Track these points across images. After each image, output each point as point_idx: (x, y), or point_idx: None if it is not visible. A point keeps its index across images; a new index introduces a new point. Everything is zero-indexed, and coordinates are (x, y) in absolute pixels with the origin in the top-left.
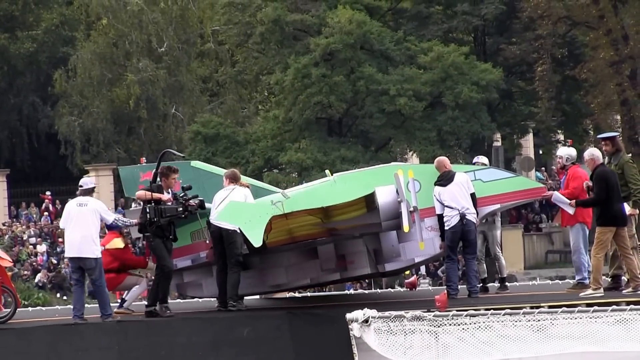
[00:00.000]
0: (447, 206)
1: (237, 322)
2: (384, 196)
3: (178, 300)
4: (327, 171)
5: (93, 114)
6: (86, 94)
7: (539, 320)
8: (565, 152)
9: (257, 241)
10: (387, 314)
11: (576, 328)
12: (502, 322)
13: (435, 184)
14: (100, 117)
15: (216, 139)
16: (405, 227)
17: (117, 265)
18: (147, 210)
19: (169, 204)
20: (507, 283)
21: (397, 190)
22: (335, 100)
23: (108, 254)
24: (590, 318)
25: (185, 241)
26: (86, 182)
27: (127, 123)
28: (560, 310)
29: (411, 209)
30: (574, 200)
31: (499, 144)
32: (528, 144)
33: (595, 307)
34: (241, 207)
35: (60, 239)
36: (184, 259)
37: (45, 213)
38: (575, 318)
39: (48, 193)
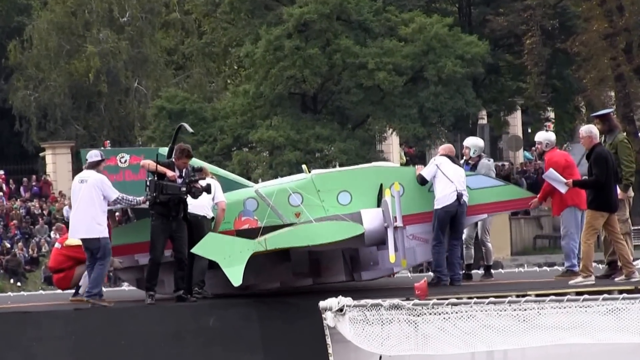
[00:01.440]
0: (448, 178)
1: (202, 311)
2: (370, 221)
3: (124, 288)
4: (303, 166)
5: (50, 88)
6: (42, 67)
7: (525, 310)
8: (544, 137)
9: (236, 280)
10: (363, 302)
11: (565, 318)
12: (486, 311)
13: (441, 156)
14: (57, 91)
15: (182, 115)
16: (392, 258)
17: (70, 264)
18: (147, 183)
19: (174, 181)
20: (492, 271)
21: (383, 214)
22: (309, 75)
23: (61, 253)
24: (580, 308)
25: (148, 236)
26: (92, 154)
27: (86, 98)
28: (548, 299)
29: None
30: (571, 180)
31: (484, 121)
32: (516, 121)
33: (586, 296)
34: (221, 241)
35: (13, 221)
36: (146, 255)
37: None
38: (564, 307)
39: (1, 172)
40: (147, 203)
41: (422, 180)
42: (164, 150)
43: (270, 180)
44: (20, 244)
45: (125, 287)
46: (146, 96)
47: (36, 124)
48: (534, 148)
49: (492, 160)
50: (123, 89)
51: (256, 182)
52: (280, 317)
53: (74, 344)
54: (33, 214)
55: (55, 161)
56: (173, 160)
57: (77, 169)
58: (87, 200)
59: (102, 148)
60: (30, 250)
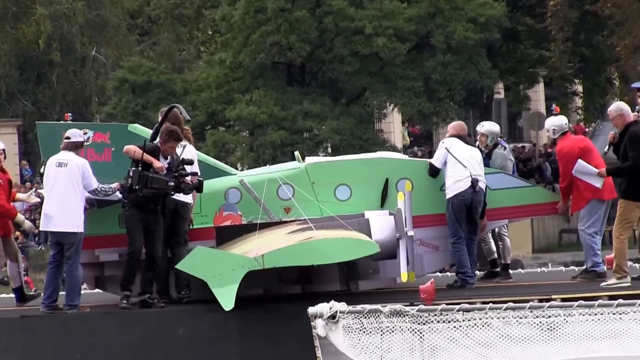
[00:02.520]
0: (460, 162)
1: (170, 319)
2: (380, 231)
3: (97, 290)
4: (296, 153)
5: None
6: None
7: (549, 317)
8: (550, 123)
9: (228, 303)
10: (359, 308)
11: (596, 327)
12: (504, 318)
13: (451, 136)
14: (2, 60)
15: (147, 89)
16: (404, 276)
17: None
18: (130, 174)
19: (161, 173)
20: (510, 271)
21: (395, 222)
22: (296, 41)
23: None
24: (614, 314)
25: (111, 227)
26: (75, 133)
27: (35, 68)
28: (576, 304)
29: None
30: (604, 169)
31: (501, 96)
32: (538, 96)
33: (620, 301)
34: (210, 256)
35: None
36: (109, 251)
37: None
38: (595, 314)
39: None
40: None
41: (433, 171)
42: (135, 128)
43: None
44: None
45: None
46: (105, 66)
47: None
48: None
49: (508, 148)
50: (79, 58)
51: (234, 166)
52: (262, 326)
53: (19, 357)
54: None
55: None
56: (158, 144)
57: (24, 151)
58: (66, 187)
59: (62, 122)
60: None
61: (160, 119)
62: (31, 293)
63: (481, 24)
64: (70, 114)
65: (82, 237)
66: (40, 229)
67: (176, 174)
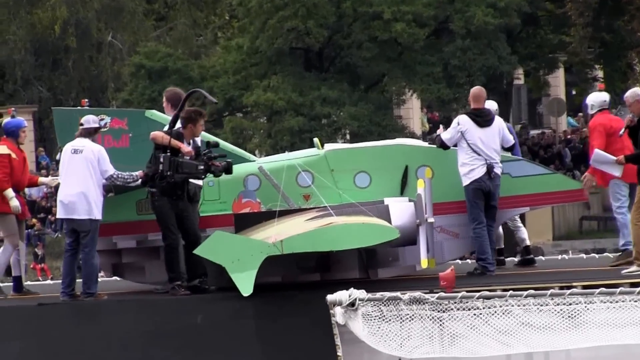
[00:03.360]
0: (473, 149)
1: (187, 306)
2: (400, 217)
3: (115, 278)
4: (315, 140)
5: (8, 43)
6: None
7: (570, 305)
8: (591, 98)
9: (246, 288)
10: (378, 295)
11: (617, 314)
12: (524, 306)
13: (467, 114)
14: (17, 46)
15: (164, 75)
16: (424, 263)
17: None
18: (161, 159)
19: (188, 158)
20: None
21: (415, 208)
22: (314, 26)
23: None
24: (636, 302)
25: (129, 214)
26: (89, 119)
27: (51, 54)
28: (597, 292)
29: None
30: (622, 156)
31: (521, 82)
32: (558, 82)
33: None
34: (229, 241)
35: None
36: (126, 238)
37: None
38: (616, 302)
39: None
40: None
41: (443, 147)
42: (152, 114)
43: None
44: None
45: None
46: (122, 52)
47: None
48: (580, 114)
49: (510, 127)
50: (94, 44)
51: (252, 153)
52: (280, 313)
53: (35, 346)
54: None
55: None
56: (181, 131)
57: (40, 137)
58: (82, 174)
59: (79, 108)
60: None
61: (165, 102)
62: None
63: (501, 8)
64: (87, 100)
65: (99, 224)
66: (57, 216)
67: (204, 158)
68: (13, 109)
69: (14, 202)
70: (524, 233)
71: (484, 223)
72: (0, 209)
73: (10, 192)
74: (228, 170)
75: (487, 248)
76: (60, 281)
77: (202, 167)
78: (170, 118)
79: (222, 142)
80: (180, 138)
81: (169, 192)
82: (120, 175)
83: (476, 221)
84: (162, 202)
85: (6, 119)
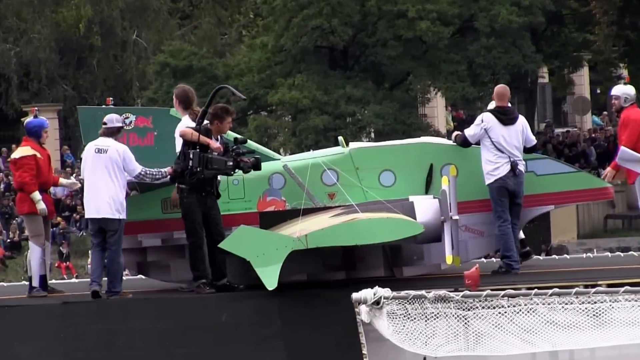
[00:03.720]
0: (497, 147)
1: (212, 304)
2: (424, 214)
3: (139, 276)
4: (340, 138)
5: (33, 41)
6: (24, 16)
7: (595, 303)
8: (621, 90)
9: (271, 282)
10: (403, 293)
11: None
12: (549, 304)
13: (491, 112)
14: (42, 45)
15: (188, 73)
16: (448, 259)
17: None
18: (191, 156)
19: (217, 154)
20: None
21: (440, 205)
22: (339, 25)
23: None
24: None
25: (154, 212)
26: (112, 118)
27: (76, 52)
28: (622, 290)
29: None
30: None
31: (545, 80)
32: (582, 80)
33: None
34: (254, 235)
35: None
36: (151, 236)
37: None
38: None
39: None
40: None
41: (465, 144)
42: (177, 112)
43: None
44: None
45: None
46: (146, 50)
47: (17, 84)
48: (604, 112)
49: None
50: (119, 42)
51: (276, 152)
52: (305, 312)
53: (62, 344)
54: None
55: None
56: (209, 127)
57: (65, 136)
58: (107, 173)
59: (104, 106)
60: (10, 233)
61: (174, 100)
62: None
63: (525, 7)
64: (111, 98)
65: (124, 223)
66: (86, 216)
67: (233, 154)
68: (36, 108)
69: (41, 205)
70: None
71: (509, 221)
72: (27, 209)
73: (37, 195)
74: (257, 166)
75: (512, 246)
76: (85, 280)
77: (231, 163)
78: (180, 115)
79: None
80: (209, 134)
81: (199, 188)
82: (148, 172)
83: (501, 219)
84: (190, 198)
85: (29, 118)
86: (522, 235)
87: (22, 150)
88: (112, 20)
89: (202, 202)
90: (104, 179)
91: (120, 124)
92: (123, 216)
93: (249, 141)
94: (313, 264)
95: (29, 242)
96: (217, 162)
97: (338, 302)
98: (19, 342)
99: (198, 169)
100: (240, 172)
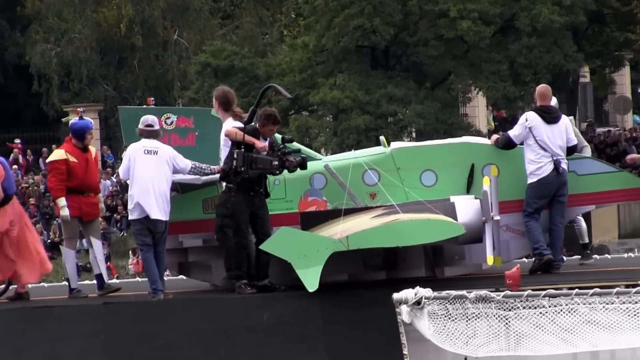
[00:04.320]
0: (540, 145)
1: (253, 305)
2: (465, 214)
3: (181, 277)
4: (381, 137)
5: (74, 41)
6: (65, 16)
7: (636, 303)
8: None
9: (312, 284)
10: (444, 293)
11: None
12: (590, 304)
13: (534, 111)
14: (83, 45)
15: (230, 73)
16: (489, 260)
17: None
18: (235, 155)
19: (264, 153)
20: (596, 256)
21: (481, 205)
22: (380, 24)
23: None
24: None
25: (195, 213)
26: (155, 120)
27: (117, 52)
28: None
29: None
30: None
31: (587, 80)
32: (624, 79)
33: None
34: (295, 236)
35: (31, 199)
36: (193, 237)
37: (15, 166)
38: None
39: (18, 141)
40: (220, 174)
41: (510, 145)
42: (216, 113)
43: (334, 150)
44: (39, 226)
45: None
46: (187, 50)
47: (58, 84)
48: None
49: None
50: (160, 42)
51: (318, 151)
52: (346, 311)
53: (103, 344)
54: None
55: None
56: (257, 127)
57: (106, 136)
58: (157, 174)
59: (145, 106)
60: (51, 233)
61: (214, 101)
62: (110, 283)
63: (566, 6)
64: (152, 98)
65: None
66: (130, 217)
67: (279, 153)
68: (82, 109)
69: (64, 212)
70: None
71: (536, 218)
72: (59, 212)
73: (61, 201)
74: (303, 165)
75: (539, 237)
76: (126, 280)
77: (276, 162)
78: (220, 117)
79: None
80: (256, 134)
81: (246, 188)
82: (197, 165)
83: (528, 210)
84: (238, 198)
85: (72, 119)
86: (585, 238)
87: (55, 154)
88: (153, 20)
89: (250, 202)
90: (154, 179)
91: (158, 127)
92: (168, 217)
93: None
94: (354, 264)
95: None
96: (262, 161)
97: (379, 302)
98: (60, 343)
99: (242, 169)
100: (285, 171)
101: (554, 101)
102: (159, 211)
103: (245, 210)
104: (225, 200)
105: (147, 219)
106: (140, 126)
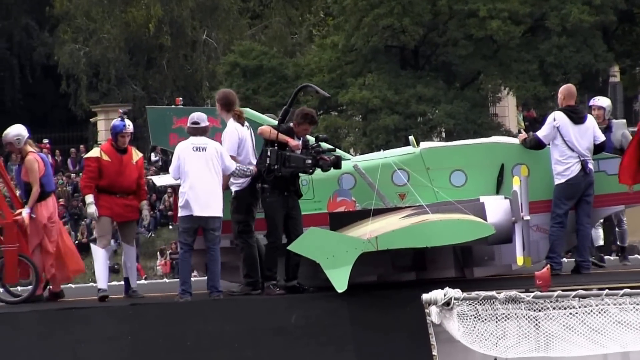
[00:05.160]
0: (568, 145)
1: (281, 306)
2: (495, 214)
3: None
4: (411, 137)
5: (103, 42)
6: (94, 16)
7: None
8: None
9: (341, 285)
10: (474, 294)
11: None
12: (620, 305)
13: (562, 111)
14: (111, 45)
15: (259, 73)
16: (519, 260)
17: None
18: (269, 153)
19: (297, 152)
20: (627, 255)
21: (511, 206)
22: (409, 24)
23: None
24: None
25: (223, 214)
26: (202, 117)
27: (145, 52)
28: None
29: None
30: None
31: (617, 79)
32: None
33: None
34: (324, 237)
35: (59, 200)
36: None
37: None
38: None
39: (46, 141)
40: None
41: (539, 145)
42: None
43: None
44: (67, 227)
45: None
46: (216, 50)
47: (86, 84)
48: None
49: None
50: (189, 42)
51: (347, 152)
52: (375, 312)
53: (129, 346)
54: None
55: (109, 127)
56: (291, 126)
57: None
58: (209, 171)
59: (173, 106)
60: (79, 234)
61: (217, 105)
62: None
63: (596, 6)
64: (181, 99)
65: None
66: (180, 214)
67: (313, 152)
68: (122, 110)
69: (91, 209)
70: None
71: (564, 225)
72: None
73: (88, 198)
74: (337, 164)
75: (560, 248)
76: (155, 281)
77: (309, 161)
78: (223, 119)
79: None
80: (290, 133)
81: (281, 187)
82: (239, 168)
83: (555, 220)
84: (273, 198)
85: (116, 120)
86: (601, 241)
87: (90, 152)
88: (182, 20)
89: (285, 202)
90: (208, 177)
91: (207, 123)
92: (222, 214)
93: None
94: (383, 265)
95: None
96: (295, 159)
97: (408, 303)
98: (86, 343)
99: (275, 167)
100: (319, 170)
101: (606, 102)
102: (215, 208)
103: (281, 210)
104: (248, 203)
105: (197, 217)
106: (188, 124)
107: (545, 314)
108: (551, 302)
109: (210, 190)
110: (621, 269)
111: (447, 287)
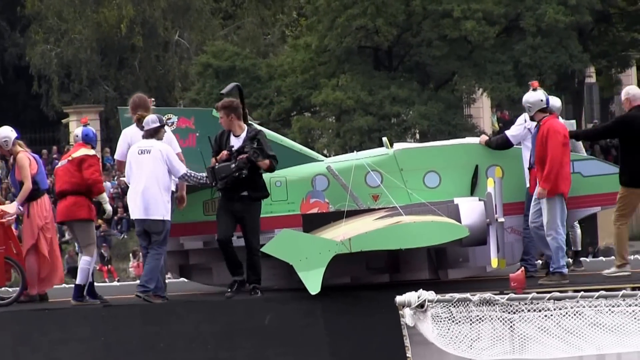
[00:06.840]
0: None
1: (255, 307)
2: (469, 216)
3: (183, 279)
4: (384, 139)
5: (74, 42)
6: (65, 16)
7: None
8: (633, 91)
9: (314, 287)
10: (448, 296)
11: None
12: (596, 307)
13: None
14: (83, 45)
15: (231, 74)
16: (494, 262)
17: None
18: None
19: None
20: (581, 258)
21: (485, 207)
22: (383, 25)
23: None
24: None
25: (196, 215)
26: (149, 120)
27: (117, 53)
28: None
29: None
30: None
31: (592, 80)
32: (630, 80)
33: None
34: (297, 239)
35: None
36: (194, 239)
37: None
38: None
39: None
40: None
41: (507, 145)
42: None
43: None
44: None
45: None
46: (189, 51)
47: (58, 85)
48: None
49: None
50: (161, 43)
51: (320, 153)
52: (349, 314)
53: (102, 347)
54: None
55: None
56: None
57: (106, 137)
58: (151, 174)
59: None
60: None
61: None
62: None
63: (572, 6)
64: (153, 99)
65: (170, 225)
66: (132, 217)
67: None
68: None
69: (109, 207)
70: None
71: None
72: (82, 215)
73: (105, 197)
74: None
75: (534, 250)
76: (127, 283)
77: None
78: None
79: (289, 142)
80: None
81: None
82: (193, 175)
83: (527, 218)
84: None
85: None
86: (579, 246)
87: (86, 150)
88: (154, 20)
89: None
90: (149, 180)
91: (157, 124)
92: (168, 217)
93: (291, 142)
94: (357, 266)
95: (80, 251)
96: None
97: (382, 305)
98: (61, 345)
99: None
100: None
101: (558, 102)
102: (154, 211)
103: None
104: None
105: (139, 220)
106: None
107: (520, 316)
108: (526, 304)
109: (150, 194)
110: (597, 270)
111: (421, 290)
